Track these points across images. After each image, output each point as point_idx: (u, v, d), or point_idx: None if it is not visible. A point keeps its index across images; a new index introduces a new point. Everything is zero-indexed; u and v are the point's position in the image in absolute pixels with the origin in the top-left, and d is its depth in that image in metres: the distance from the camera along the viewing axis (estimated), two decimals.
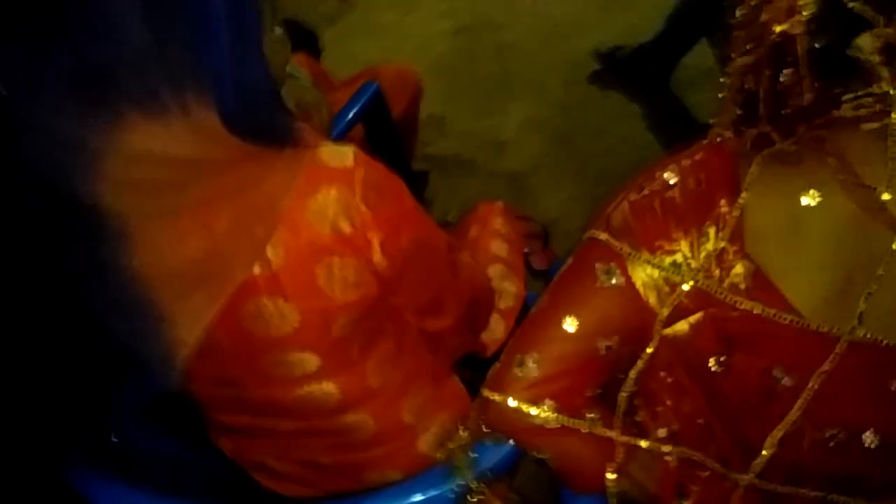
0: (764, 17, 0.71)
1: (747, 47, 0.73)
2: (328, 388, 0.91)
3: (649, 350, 0.76)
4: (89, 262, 0.76)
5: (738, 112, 0.77)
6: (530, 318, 0.82)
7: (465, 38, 2.83)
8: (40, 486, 1.02)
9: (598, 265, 0.76)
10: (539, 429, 0.79)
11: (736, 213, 0.73)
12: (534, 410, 0.78)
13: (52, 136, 0.69)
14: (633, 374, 0.78)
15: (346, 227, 0.81)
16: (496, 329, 1.19)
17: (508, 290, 1.25)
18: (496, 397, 0.80)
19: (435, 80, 2.32)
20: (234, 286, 0.80)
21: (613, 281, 0.75)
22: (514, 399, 0.79)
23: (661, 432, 0.83)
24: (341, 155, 0.83)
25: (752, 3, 0.73)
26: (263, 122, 0.77)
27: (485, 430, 0.83)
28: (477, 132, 2.44)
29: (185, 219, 0.76)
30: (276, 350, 0.86)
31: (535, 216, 2.06)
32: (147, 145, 0.71)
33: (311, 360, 0.88)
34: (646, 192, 0.77)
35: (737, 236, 0.73)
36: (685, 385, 0.80)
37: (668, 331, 0.76)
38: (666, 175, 0.76)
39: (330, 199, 0.80)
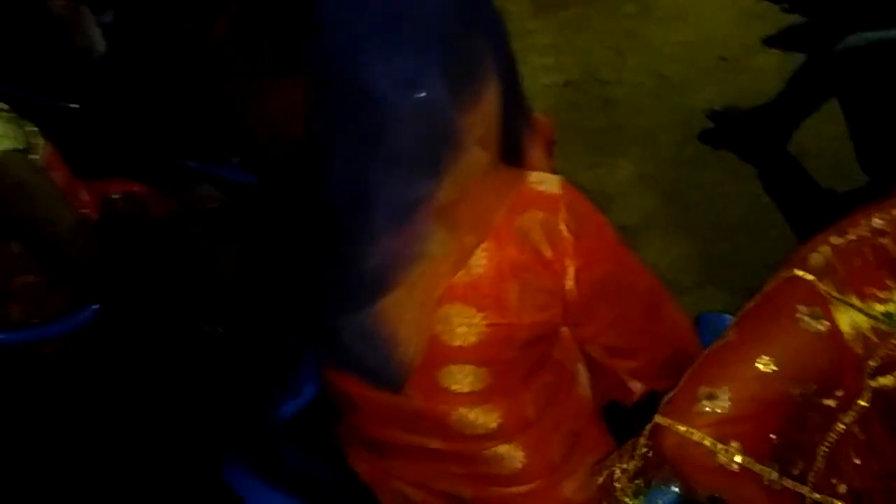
0: None
1: None
2: (490, 410, 0.91)
3: (863, 402, 0.72)
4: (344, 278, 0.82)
5: None
6: (717, 351, 0.79)
7: (572, 92, 2.85)
8: (199, 482, 1.04)
9: (800, 307, 0.74)
10: (719, 469, 0.76)
11: None
12: (719, 448, 0.75)
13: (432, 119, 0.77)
14: (841, 426, 0.74)
15: (547, 251, 0.83)
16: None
17: None
18: (679, 427, 0.77)
19: None
20: (439, 291, 0.82)
21: (818, 325, 0.73)
22: (697, 432, 0.76)
23: (842, 489, 0.78)
24: (550, 181, 0.86)
25: None
26: (519, 108, 0.85)
27: (655, 459, 0.80)
28: (585, 184, 2.41)
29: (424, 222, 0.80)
30: (453, 360, 0.87)
31: None
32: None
33: (482, 377, 0.88)
34: (851, 236, 0.75)
35: None
36: (879, 442, 0.75)
37: (873, 383, 0.72)
38: (875, 222, 0.74)
39: (536, 220, 0.83)
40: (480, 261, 0.82)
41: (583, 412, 1.02)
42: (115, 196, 1.66)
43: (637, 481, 0.85)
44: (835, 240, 0.75)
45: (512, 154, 0.86)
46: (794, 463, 0.79)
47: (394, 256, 0.79)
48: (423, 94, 0.74)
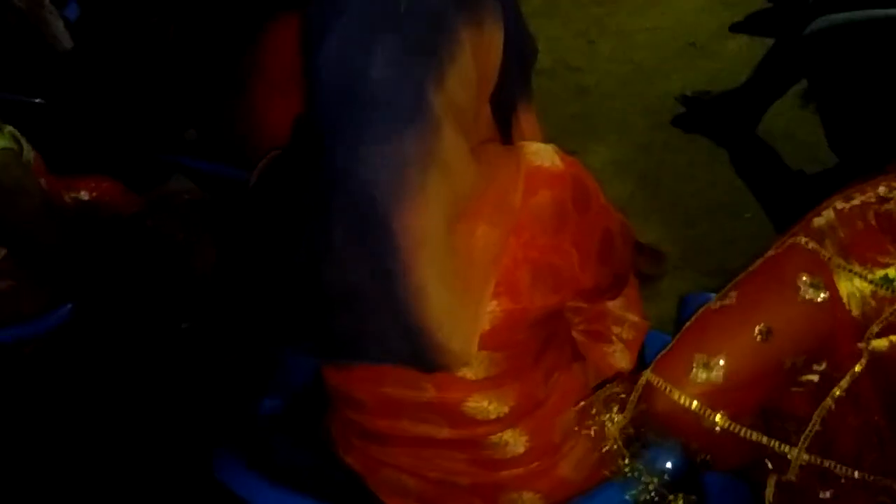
0: None
1: None
2: (504, 394, 0.91)
3: (858, 368, 0.73)
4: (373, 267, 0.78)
5: None
6: (715, 316, 0.80)
7: (545, 80, 2.85)
8: (191, 477, 1.03)
9: (802, 275, 0.74)
10: (706, 431, 0.78)
11: None
12: (709, 415, 0.76)
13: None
14: (838, 391, 0.75)
15: (558, 232, 0.82)
16: (621, 360, 1.17)
17: (631, 319, 1.23)
18: (672, 393, 0.78)
19: None
20: (490, 288, 0.80)
21: (818, 295, 0.74)
22: (690, 398, 0.77)
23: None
24: (546, 153, 0.84)
25: None
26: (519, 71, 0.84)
27: (644, 415, 0.81)
28: None
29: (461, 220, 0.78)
30: None
31: None
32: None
33: (497, 362, 0.87)
34: (856, 202, 0.75)
35: None
36: (865, 399, 0.76)
37: (869, 345, 0.73)
38: (881, 189, 0.75)
39: (548, 201, 0.82)
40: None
41: (582, 394, 1.02)
42: (86, 195, 1.64)
43: (627, 430, 0.86)
44: (840, 205, 0.76)
45: (506, 119, 0.84)
46: (783, 426, 0.80)
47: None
48: None
